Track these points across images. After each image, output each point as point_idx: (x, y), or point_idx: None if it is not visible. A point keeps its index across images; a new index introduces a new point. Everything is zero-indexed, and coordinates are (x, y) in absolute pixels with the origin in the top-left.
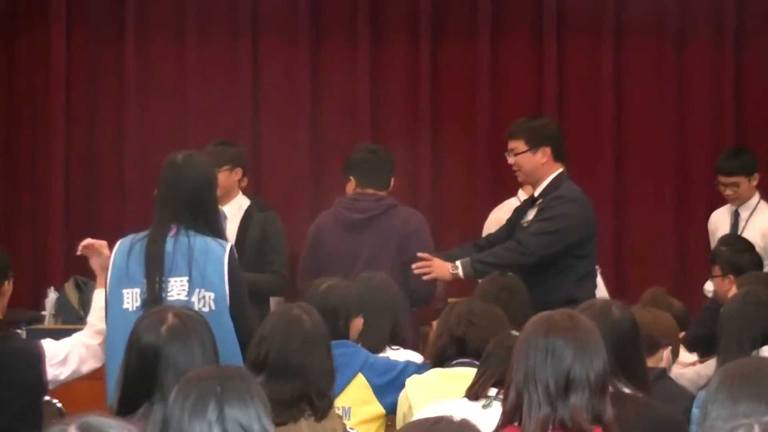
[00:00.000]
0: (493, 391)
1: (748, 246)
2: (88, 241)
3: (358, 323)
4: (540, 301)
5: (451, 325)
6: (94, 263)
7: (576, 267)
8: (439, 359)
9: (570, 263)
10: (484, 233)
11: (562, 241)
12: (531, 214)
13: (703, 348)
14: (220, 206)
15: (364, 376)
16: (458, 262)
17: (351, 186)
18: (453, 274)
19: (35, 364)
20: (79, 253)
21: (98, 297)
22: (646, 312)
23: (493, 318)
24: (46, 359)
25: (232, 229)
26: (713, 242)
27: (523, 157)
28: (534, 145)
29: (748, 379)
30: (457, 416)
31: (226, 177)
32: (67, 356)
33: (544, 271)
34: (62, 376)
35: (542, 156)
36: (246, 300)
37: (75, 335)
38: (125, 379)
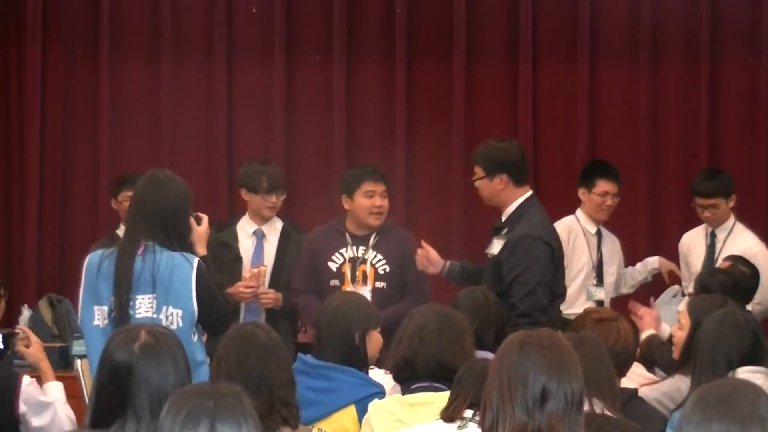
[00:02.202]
0: (468, 413)
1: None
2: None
3: (376, 336)
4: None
5: (403, 343)
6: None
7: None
8: (398, 380)
9: None
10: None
11: (546, 294)
12: (496, 244)
13: None
14: (260, 227)
15: (357, 409)
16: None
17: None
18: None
19: (8, 397)
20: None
21: (53, 389)
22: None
23: (447, 333)
24: (27, 396)
25: (270, 248)
26: (683, 263)
27: (481, 183)
28: (490, 173)
29: (722, 400)
30: None
31: (277, 199)
32: (49, 405)
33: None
34: (35, 424)
35: (499, 183)
36: (220, 303)
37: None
38: (97, 396)
